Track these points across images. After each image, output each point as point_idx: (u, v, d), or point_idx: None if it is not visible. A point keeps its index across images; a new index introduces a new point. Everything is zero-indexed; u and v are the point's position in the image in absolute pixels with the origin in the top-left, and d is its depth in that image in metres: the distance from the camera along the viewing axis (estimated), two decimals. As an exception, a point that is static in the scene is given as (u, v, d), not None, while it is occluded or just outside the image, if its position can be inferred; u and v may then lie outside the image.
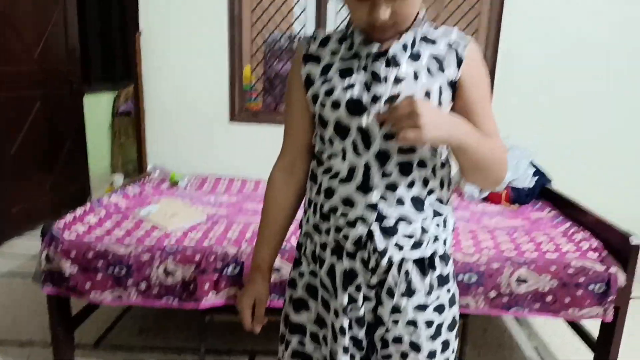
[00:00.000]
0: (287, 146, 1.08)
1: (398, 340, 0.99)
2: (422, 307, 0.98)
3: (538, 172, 2.57)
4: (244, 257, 1.76)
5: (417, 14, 0.91)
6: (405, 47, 0.91)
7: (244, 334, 1.23)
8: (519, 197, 2.49)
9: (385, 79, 0.90)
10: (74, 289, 1.78)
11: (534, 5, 2.67)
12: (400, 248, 0.94)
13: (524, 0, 2.67)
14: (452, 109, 0.94)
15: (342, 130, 0.93)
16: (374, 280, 0.97)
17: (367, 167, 0.92)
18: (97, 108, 4.44)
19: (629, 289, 1.75)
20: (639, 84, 2.72)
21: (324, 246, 1.01)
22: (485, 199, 2.57)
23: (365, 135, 0.91)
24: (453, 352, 1.05)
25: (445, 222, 0.99)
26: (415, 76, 0.91)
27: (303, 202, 1.09)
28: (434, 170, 0.95)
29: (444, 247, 1.00)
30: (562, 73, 2.74)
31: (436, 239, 0.97)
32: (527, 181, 2.52)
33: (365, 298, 0.99)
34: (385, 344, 1.00)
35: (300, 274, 1.07)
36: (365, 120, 0.90)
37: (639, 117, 2.75)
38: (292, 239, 1.82)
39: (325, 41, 0.99)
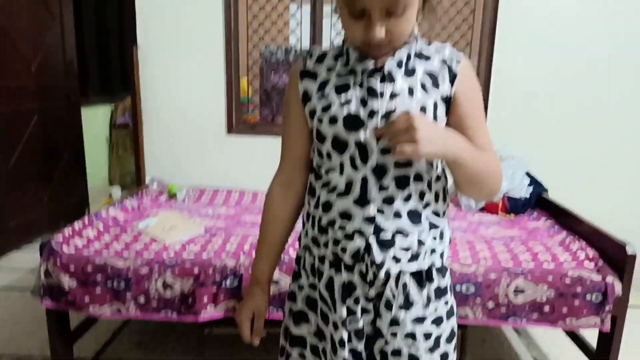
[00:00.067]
0: (286, 160, 1.09)
1: (397, 352, 0.99)
2: (420, 320, 0.99)
3: (534, 182, 2.59)
4: (242, 270, 1.76)
5: (412, 30, 0.93)
6: (400, 64, 0.93)
7: (242, 347, 1.23)
8: (515, 207, 2.51)
9: (381, 94, 0.92)
10: (73, 303, 1.78)
11: (528, 17, 2.71)
12: (398, 261, 0.95)
13: (518, 12, 2.70)
14: (447, 124, 0.96)
15: (339, 145, 0.95)
16: (372, 292, 0.98)
17: (364, 181, 0.94)
18: (95, 121, 4.45)
19: (626, 298, 1.76)
20: (633, 94, 2.75)
21: (322, 259, 1.02)
22: (482, 209, 2.59)
23: (362, 149, 0.93)
24: (452, 363, 1.06)
25: (441, 234, 1.00)
26: (411, 92, 0.93)
27: (301, 215, 1.10)
28: (429, 184, 0.97)
29: (440, 259, 1.01)
30: (557, 83, 2.77)
31: (433, 251, 0.99)
32: (523, 191, 2.53)
33: (364, 310, 1.00)
34: (384, 356, 1.00)
35: (299, 287, 1.08)
36: (363, 135, 0.92)
37: (633, 126, 2.78)
38: (290, 251, 1.83)
39: (321, 58, 1.01)
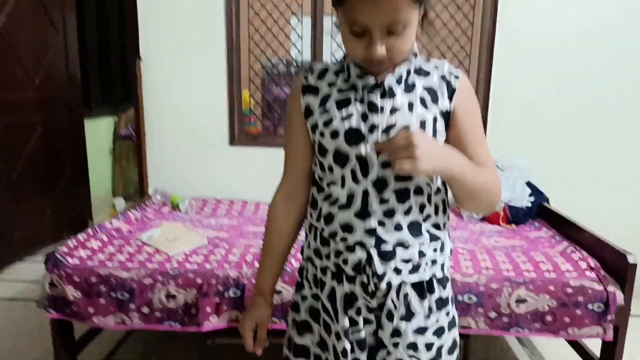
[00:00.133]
0: (288, 173, 1.11)
1: (399, 363, 1.00)
2: (421, 330, 1.00)
3: (535, 192, 2.60)
4: (245, 280, 1.78)
5: (411, 47, 0.95)
6: (399, 79, 0.96)
7: (245, 357, 1.24)
8: (516, 216, 2.52)
9: (382, 109, 0.94)
10: (77, 314, 1.80)
11: (526, 27, 2.73)
12: (399, 272, 0.97)
13: (516, 22, 2.73)
14: (446, 139, 0.98)
15: (341, 159, 0.97)
16: (374, 303, 1.00)
17: (365, 194, 0.95)
18: (98, 132, 4.49)
19: (628, 307, 1.76)
20: (633, 104, 2.77)
21: (324, 270, 1.03)
22: (484, 219, 2.60)
23: (363, 163, 0.95)
24: (454, 374, 1.07)
25: (442, 246, 1.02)
26: (410, 107, 0.95)
27: (304, 226, 1.12)
28: (429, 197, 0.98)
29: (441, 270, 1.02)
30: (556, 93, 2.78)
31: (434, 262, 1.00)
32: (524, 201, 2.55)
33: (366, 321, 1.01)
34: (386, 366, 1.01)
35: (302, 298, 1.09)
36: (363, 149, 0.94)
37: (634, 135, 2.79)
38: (292, 262, 1.84)
39: (322, 73, 1.03)
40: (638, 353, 2.10)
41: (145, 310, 1.79)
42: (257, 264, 1.16)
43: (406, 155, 0.83)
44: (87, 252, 1.96)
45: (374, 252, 0.96)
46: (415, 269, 0.98)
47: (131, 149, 4.61)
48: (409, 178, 0.95)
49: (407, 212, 0.96)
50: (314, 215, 1.04)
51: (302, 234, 1.13)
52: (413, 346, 1.00)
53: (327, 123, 0.97)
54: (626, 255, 1.78)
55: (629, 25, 2.69)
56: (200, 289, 1.77)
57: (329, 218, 0.99)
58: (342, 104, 0.97)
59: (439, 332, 1.02)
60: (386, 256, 0.96)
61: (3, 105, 3.12)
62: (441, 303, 1.02)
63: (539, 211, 2.59)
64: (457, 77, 0.98)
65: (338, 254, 0.99)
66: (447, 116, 0.97)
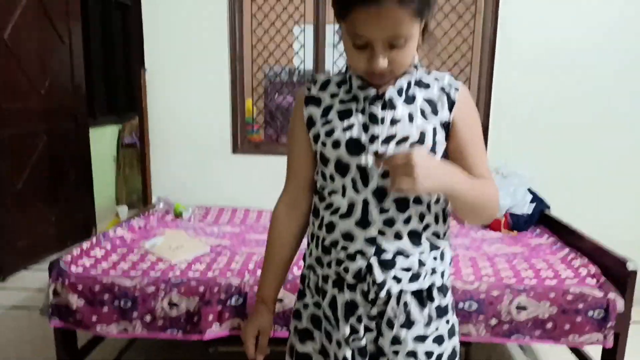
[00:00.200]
0: (291, 182, 1.12)
1: (399, 370, 1.01)
2: (421, 338, 1.01)
3: (536, 199, 2.61)
4: (247, 288, 1.79)
5: (412, 60, 0.97)
6: (400, 91, 0.97)
7: (248, 365, 1.25)
8: (518, 223, 2.53)
9: (382, 120, 0.96)
10: (81, 322, 1.81)
11: (527, 35, 2.75)
12: (399, 281, 0.98)
13: (517, 31, 2.75)
14: (446, 149, 1.00)
15: (342, 168, 0.99)
16: (374, 311, 1.01)
17: (365, 203, 0.97)
18: (102, 141, 4.52)
19: (628, 314, 1.77)
20: (633, 111, 2.77)
21: (325, 278, 1.05)
22: (485, 226, 2.61)
23: (363, 173, 0.97)
24: (454, 382, 1.08)
25: (442, 255, 1.03)
26: (410, 118, 0.97)
27: (307, 235, 1.13)
28: (429, 206, 1.00)
29: (441, 279, 1.04)
30: (557, 101, 2.80)
31: (434, 271, 1.01)
32: (526, 208, 2.56)
33: (367, 329, 1.02)
34: (387, 374, 1.02)
35: (304, 306, 1.10)
36: (364, 159, 0.96)
37: (635, 142, 2.80)
38: (294, 269, 1.85)
39: (325, 84, 1.05)
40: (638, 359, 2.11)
41: (148, 318, 1.80)
42: (259, 272, 1.17)
43: (405, 175, 0.85)
44: (90, 261, 1.98)
45: (374, 261, 0.97)
46: (415, 277, 0.99)
47: (135, 156, 4.64)
48: None
49: (407, 221, 0.98)
50: (316, 223, 1.06)
51: (305, 242, 1.15)
52: (413, 354, 1.01)
53: (329, 133, 0.99)
54: (626, 262, 1.79)
55: (629, 34, 2.71)
56: (203, 297, 1.78)
57: (330, 227, 1.01)
58: (344, 114, 0.99)
59: (439, 340, 1.03)
60: (386, 265, 0.97)
61: (9, 115, 3.15)
62: (441, 311, 1.03)
63: (540, 218, 2.60)
64: (457, 89, 1.00)
65: (339, 262, 1.01)
66: (447, 127, 0.99)
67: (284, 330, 1.74)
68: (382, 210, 0.97)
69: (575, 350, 2.12)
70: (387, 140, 0.95)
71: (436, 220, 1.02)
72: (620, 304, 1.76)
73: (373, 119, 0.97)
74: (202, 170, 3.01)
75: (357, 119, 0.98)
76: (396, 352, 1.01)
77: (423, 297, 1.01)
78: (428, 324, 1.02)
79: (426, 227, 1.00)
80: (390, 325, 1.00)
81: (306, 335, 1.10)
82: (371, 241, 0.97)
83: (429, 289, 1.02)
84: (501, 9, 2.75)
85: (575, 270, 1.95)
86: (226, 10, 2.83)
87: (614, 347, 1.78)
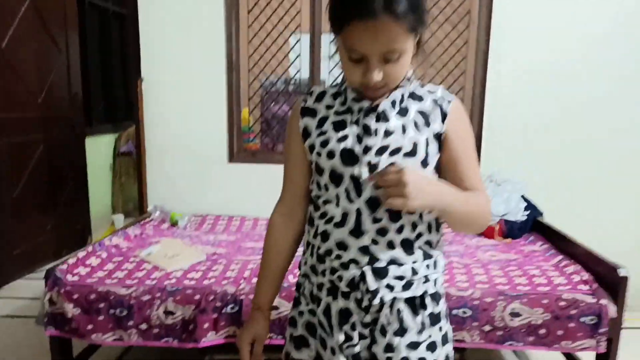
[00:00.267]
0: (287, 192, 1.14)
1: (393, 377, 1.03)
2: (414, 345, 1.03)
3: (530, 206, 2.64)
4: (242, 296, 1.80)
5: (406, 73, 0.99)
6: (394, 104, 1.00)
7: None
8: (511, 230, 2.55)
9: (376, 132, 0.99)
10: (76, 331, 1.81)
11: (520, 43, 2.78)
12: (391, 288, 1.00)
13: (510, 39, 2.79)
14: (439, 161, 1.02)
15: (336, 178, 1.01)
16: (368, 319, 1.03)
17: (359, 213, 0.99)
18: (99, 149, 4.53)
19: (620, 320, 1.78)
20: (626, 119, 2.81)
21: (320, 286, 1.06)
22: (479, 234, 2.63)
23: (357, 183, 0.99)
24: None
25: (435, 263, 1.05)
26: (404, 129, 0.99)
27: (302, 243, 1.15)
28: (421, 216, 1.02)
29: (434, 287, 1.05)
30: (550, 109, 2.83)
31: (427, 279, 1.03)
32: (519, 215, 2.58)
33: (361, 336, 1.04)
34: (381, 380, 1.04)
35: (299, 313, 1.12)
36: (357, 169, 0.98)
37: (627, 150, 2.83)
38: (289, 278, 1.87)
39: (321, 96, 1.08)
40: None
41: (144, 326, 1.80)
42: (255, 280, 1.19)
43: (397, 193, 0.87)
44: (86, 269, 1.99)
45: (367, 269, 0.99)
46: (408, 285, 1.01)
47: (131, 165, 4.65)
48: None
49: (400, 230, 0.99)
50: (311, 232, 1.08)
51: (300, 250, 1.16)
52: (406, 360, 1.02)
53: (324, 144, 1.01)
54: (618, 268, 1.81)
55: (620, 43, 2.75)
56: (198, 305, 1.79)
57: (325, 236, 1.03)
58: (339, 125, 1.02)
59: (431, 347, 1.05)
60: (379, 273, 0.99)
61: (6, 124, 3.16)
62: (434, 319, 1.05)
63: (534, 225, 2.62)
64: (449, 102, 1.02)
65: (333, 270, 1.02)
66: (440, 139, 1.01)
67: (279, 338, 1.75)
68: (375, 220, 0.98)
69: (569, 356, 2.13)
70: (381, 151, 0.98)
71: (429, 230, 1.04)
72: (612, 310, 1.78)
73: (367, 130, 0.99)
74: (199, 179, 3.02)
75: (351, 130, 1.00)
76: (389, 359, 1.02)
77: (416, 304, 1.03)
78: (421, 331, 1.03)
79: (419, 236, 1.02)
80: (384, 332, 1.02)
81: (301, 342, 1.11)
82: (364, 250, 0.99)
83: (422, 297, 1.03)
84: (494, 19, 2.79)
85: (568, 277, 1.97)
86: (223, 20, 2.86)
87: (606, 352, 1.79)
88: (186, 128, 2.98)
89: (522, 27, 2.78)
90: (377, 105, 0.99)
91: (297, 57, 3.04)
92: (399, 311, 1.01)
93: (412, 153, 0.98)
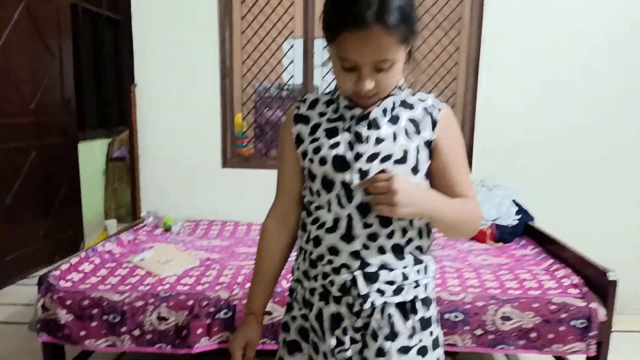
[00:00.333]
0: (280, 197, 1.16)
1: (384, 381, 1.04)
2: (405, 350, 1.04)
3: (521, 211, 2.66)
4: (236, 302, 1.81)
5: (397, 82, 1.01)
6: (385, 111, 1.02)
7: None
8: (503, 235, 2.57)
9: (367, 139, 1.00)
10: (69, 337, 1.81)
11: (511, 49, 2.81)
12: (382, 293, 1.01)
13: (500, 46, 2.82)
14: (430, 168, 1.04)
15: (328, 184, 1.02)
16: (359, 323, 1.04)
17: (350, 218, 1.00)
18: (91, 154, 4.52)
19: (610, 323, 1.81)
20: (616, 124, 2.84)
21: (312, 291, 1.08)
22: (472, 238, 2.64)
23: (348, 189, 1.00)
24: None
25: (425, 268, 1.06)
26: (395, 137, 1.01)
27: (295, 249, 1.16)
28: (411, 221, 1.03)
29: (425, 291, 1.06)
30: (540, 114, 2.85)
31: (417, 284, 1.04)
32: (511, 219, 2.60)
33: (352, 340, 1.05)
34: (372, 384, 1.05)
35: (292, 318, 1.13)
36: (348, 176, 0.99)
37: (617, 155, 2.86)
38: (282, 283, 1.87)
39: (314, 103, 1.10)
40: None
41: (137, 332, 1.81)
42: (248, 285, 1.20)
43: (386, 201, 0.89)
44: (79, 275, 1.99)
45: (358, 274, 1.00)
46: (398, 290, 1.02)
47: (124, 170, 4.64)
48: None
49: (390, 235, 1.01)
50: (304, 238, 1.09)
51: (293, 255, 1.18)
52: (397, 365, 1.03)
53: (316, 150, 1.03)
54: (607, 272, 1.84)
55: (611, 49, 2.78)
56: (192, 310, 1.79)
57: (317, 241, 1.04)
58: (331, 132, 1.03)
59: (422, 351, 1.06)
60: (370, 278, 1.00)
61: (-2, 130, 3.16)
62: (425, 323, 1.06)
63: (525, 230, 2.64)
64: (439, 110, 1.04)
65: (325, 275, 1.04)
66: (430, 146, 1.03)
67: (273, 343, 1.76)
68: (366, 225, 1.00)
69: (559, 359, 2.15)
70: (372, 158, 0.99)
71: (419, 235, 1.05)
72: (602, 314, 1.80)
73: (358, 137, 1.01)
74: (192, 184, 3.02)
75: (343, 137, 1.02)
76: (381, 363, 1.03)
77: (407, 309, 1.04)
78: (412, 335, 1.04)
79: (409, 241, 1.03)
80: (375, 337, 1.03)
81: (294, 347, 1.12)
82: (355, 255, 1.00)
83: (413, 302, 1.05)
84: (485, 26, 2.82)
85: (559, 281, 1.99)
86: (216, 26, 2.87)
87: (597, 355, 1.81)
88: (180, 133, 2.99)
89: (512, 33, 2.81)
90: (369, 113, 1.01)
91: (290, 62, 3.05)
92: (389, 316, 1.03)
93: (402, 160, 1.00)
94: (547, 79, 2.83)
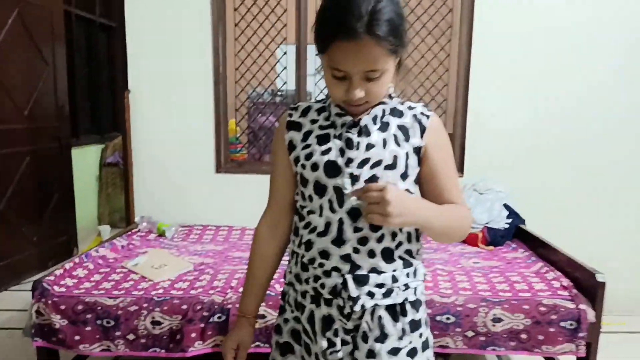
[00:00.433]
0: (273, 202, 1.18)
1: (375, 382, 1.06)
2: (395, 351, 1.06)
3: (512, 214, 2.69)
4: (229, 306, 1.82)
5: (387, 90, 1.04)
6: (375, 119, 1.05)
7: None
8: (494, 238, 2.60)
9: (358, 145, 1.03)
10: (64, 342, 1.82)
11: (501, 54, 2.84)
12: (372, 296, 1.03)
13: (491, 53, 2.85)
14: (419, 174, 1.07)
15: (320, 189, 1.05)
16: (350, 325, 1.06)
17: (340, 222, 1.03)
18: (85, 160, 4.52)
19: (599, 324, 1.83)
20: (606, 128, 2.88)
21: (304, 294, 1.10)
22: (463, 241, 2.67)
23: (339, 194, 1.03)
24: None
25: (415, 272, 1.09)
26: (384, 143, 1.03)
27: (287, 253, 1.19)
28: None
29: (414, 294, 1.09)
30: (531, 119, 2.89)
31: (407, 287, 1.07)
32: (502, 223, 2.63)
33: (343, 342, 1.07)
34: (363, 385, 1.07)
35: (285, 320, 1.15)
36: (340, 181, 1.02)
37: (607, 159, 2.90)
38: (275, 286, 1.89)
39: (306, 111, 1.13)
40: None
41: (131, 337, 1.81)
42: (241, 290, 1.22)
43: (379, 211, 0.91)
44: (73, 281, 1.99)
45: (348, 277, 1.03)
46: (388, 293, 1.04)
47: (117, 175, 4.64)
48: None
49: (380, 239, 1.03)
50: (296, 242, 1.11)
51: (285, 259, 1.20)
52: (387, 366, 1.05)
53: (309, 156, 1.06)
54: (596, 274, 1.87)
55: (603, 53, 2.82)
56: (186, 315, 1.80)
57: (309, 245, 1.07)
58: (323, 139, 1.06)
59: (412, 353, 1.08)
60: (360, 281, 1.03)
61: (-9, 136, 3.16)
62: (414, 325, 1.08)
63: (516, 233, 2.67)
64: (428, 117, 1.07)
65: (316, 278, 1.06)
66: (419, 152, 1.05)
67: (266, 347, 1.77)
68: (356, 229, 1.02)
69: (550, 360, 2.18)
70: (362, 163, 1.02)
71: (409, 239, 1.07)
72: (591, 315, 1.83)
73: (349, 144, 1.03)
74: (186, 189, 3.03)
75: (334, 144, 1.05)
76: (371, 365, 1.05)
77: (396, 311, 1.06)
78: (401, 337, 1.06)
79: (399, 245, 1.06)
80: (365, 338, 1.05)
81: (287, 349, 1.14)
82: (346, 258, 1.03)
83: (402, 304, 1.07)
84: (475, 33, 2.85)
85: (549, 283, 2.02)
86: (210, 33, 2.89)
87: (586, 356, 1.84)
88: (173, 139, 3.00)
89: (502, 40, 2.85)
90: (359, 120, 1.04)
91: (283, 69, 3.08)
92: (379, 318, 1.05)
93: (392, 166, 1.02)
94: (537, 84, 2.87)
